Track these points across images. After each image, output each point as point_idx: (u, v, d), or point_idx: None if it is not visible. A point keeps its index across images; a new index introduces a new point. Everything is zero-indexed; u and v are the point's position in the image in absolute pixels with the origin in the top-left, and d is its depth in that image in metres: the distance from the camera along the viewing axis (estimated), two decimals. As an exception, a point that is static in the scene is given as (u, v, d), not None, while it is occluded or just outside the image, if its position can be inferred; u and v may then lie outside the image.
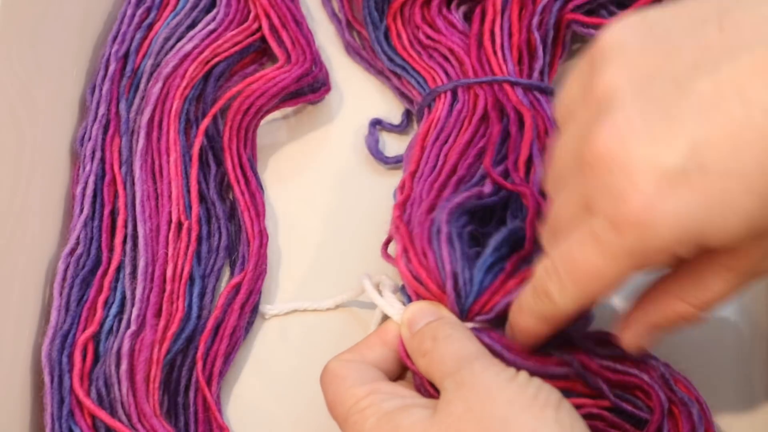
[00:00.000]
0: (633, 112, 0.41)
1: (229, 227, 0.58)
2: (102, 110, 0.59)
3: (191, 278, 0.55)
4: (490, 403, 0.44)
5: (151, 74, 0.60)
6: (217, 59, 0.61)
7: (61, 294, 0.54)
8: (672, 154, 0.40)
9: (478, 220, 0.54)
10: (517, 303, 0.49)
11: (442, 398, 0.45)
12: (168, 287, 0.54)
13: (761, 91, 0.39)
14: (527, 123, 0.56)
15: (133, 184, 0.57)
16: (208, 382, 0.53)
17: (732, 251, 0.43)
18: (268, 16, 0.62)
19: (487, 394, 0.44)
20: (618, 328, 0.48)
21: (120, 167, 0.58)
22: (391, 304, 0.52)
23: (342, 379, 0.48)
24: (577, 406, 0.46)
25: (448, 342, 0.48)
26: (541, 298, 0.46)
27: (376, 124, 0.63)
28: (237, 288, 0.55)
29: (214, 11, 0.62)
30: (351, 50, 0.65)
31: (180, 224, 0.56)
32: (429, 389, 0.48)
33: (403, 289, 0.53)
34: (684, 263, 0.45)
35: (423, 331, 0.49)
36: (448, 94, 0.59)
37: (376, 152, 0.61)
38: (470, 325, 0.50)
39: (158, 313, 0.54)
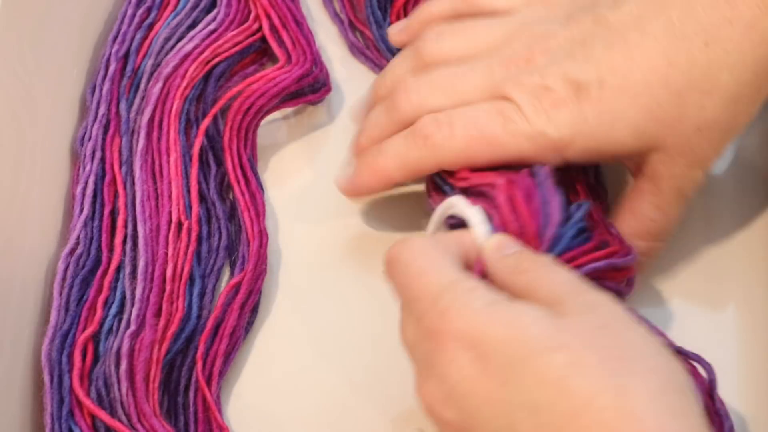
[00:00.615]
0: (561, 39, 0.51)
1: (229, 227, 0.58)
2: (102, 110, 0.59)
3: (191, 278, 0.55)
4: (629, 330, 0.42)
5: (151, 74, 0.60)
6: (217, 59, 0.61)
7: (60, 294, 0.54)
8: (581, 69, 0.49)
9: None
10: (379, 146, 0.54)
11: (568, 311, 0.42)
12: (168, 287, 0.54)
13: (653, 24, 0.49)
14: None
15: (133, 184, 0.57)
16: (208, 382, 0.53)
17: (644, 175, 0.51)
18: (268, 17, 0.62)
19: (624, 323, 0.42)
20: None
21: (120, 167, 0.58)
22: (479, 220, 0.49)
23: (439, 254, 0.46)
24: None
25: (555, 267, 0.45)
26: (417, 142, 0.52)
27: None
28: (237, 288, 0.55)
29: (215, 11, 0.62)
30: (355, 50, 0.65)
31: (180, 224, 0.56)
32: None
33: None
34: (623, 203, 0.52)
35: (520, 253, 0.46)
36: None
37: None
38: None
39: (158, 313, 0.54)
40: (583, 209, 0.49)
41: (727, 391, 0.50)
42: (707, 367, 0.49)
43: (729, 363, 0.54)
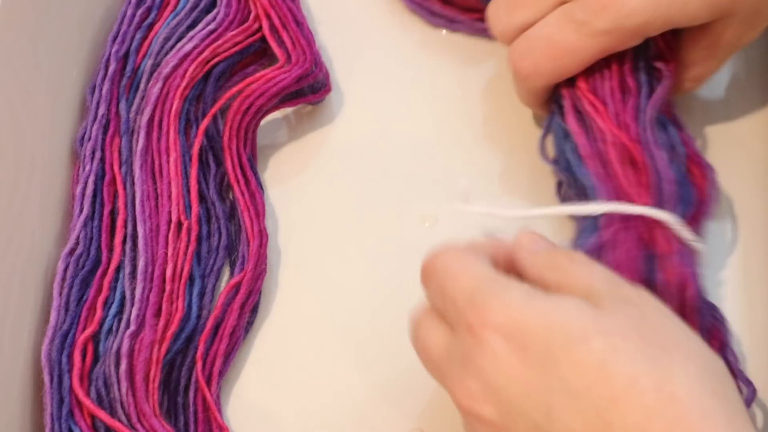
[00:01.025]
0: None
1: (229, 227, 0.58)
2: (102, 110, 0.59)
3: (191, 278, 0.55)
4: (666, 319, 0.42)
5: (151, 74, 0.60)
6: (217, 59, 0.61)
7: (60, 294, 0.54)
8: None
9: None
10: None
11: (606, 303, 0.42)
12: (167, 287, 0.54)
13: None
14: None
15: (132, 183, 0.57)
16: (208, 382, 0.53)
17: (707, 32, 0.53)
18: (268, 17, 0.62)
19: (661, 313, 0.43)
20: None
21: (120, 167, 0.58)
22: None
23: (473, 257, 0.46)
24: None
25: (590, 263, 0.45)
26: (514, 79, 0.55)
27: None
28: (237, 288, 0.55)
29: (215, 11, 0.62)
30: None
31: (180, 224, 0.56)
32: None
33: None
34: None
35: (553, 250, 0.46)
36: None
37: None
38: None
39: (158, 313, 0.54)
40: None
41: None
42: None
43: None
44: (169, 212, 0.56)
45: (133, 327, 0.52)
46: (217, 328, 0.54)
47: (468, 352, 0.42)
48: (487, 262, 0.46)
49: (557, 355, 0.40)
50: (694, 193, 0.53)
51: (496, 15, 0.56)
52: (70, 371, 0.52)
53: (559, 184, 0.58)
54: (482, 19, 0.61)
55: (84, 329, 0.53)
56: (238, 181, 0.58)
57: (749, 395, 0.50)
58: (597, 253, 0.49)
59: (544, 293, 0.43)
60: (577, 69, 0.53)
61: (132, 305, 0.54)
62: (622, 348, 0.39)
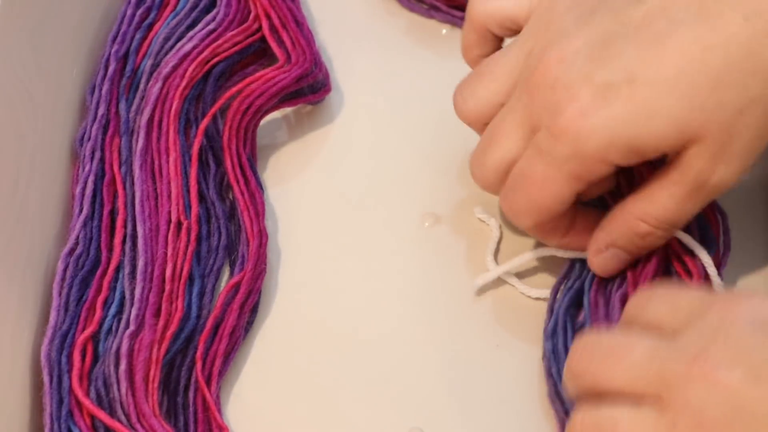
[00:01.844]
0: (577, 41, 0.48)
1: (229, 227, 0.58)
2: (102, 110, 0.59)
3: (190, 278, 0.55)
4: None
5: (150, 74, 0.60)
6: (216, 59, 0.61)
7: (60, 294, 0.54)
8: (607, 70, 0.47)
9: None
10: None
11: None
12: (167, 287, 0.54)
13: (683, 11, 0.46)
14: None
15: (132, 183, 0.57)
16: (208, 382, 0.53)
17: (675, 163, 0.48)
18: (268, 17, 0.62)
19: None
20: (589, 252, 0.52)
21: (119, 167, 0.58)
22: None
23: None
24: None
25: None
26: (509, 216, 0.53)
27: None
28: (236, 288, 0.55)
29: (214, 11, 0.62)
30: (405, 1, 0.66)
31: (179, 224, 0.56)
32: None
33: None
34: (639, 184, 0.50)
35: None
36: None
37: None
38: None
39: (157, 313, 0.54)
40: None
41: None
42: None
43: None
44: (169, 212, 0.56)
45: (132, 327, 0.52)
46: (216, 328, 0.54)
47: (691, 398, 0.40)
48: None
49: None
50: (713, 239, 0.53)
51: (475, 163, 0.54)
52: (69, 371, 0.52)
53: None
54: (459, 7, 0.65)
55: (83, 329, 0.53)
56: (237, 181, 0.58)
57: None
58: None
59: None
60: (554, 205, 0.50)
61: (131, 305, 0.54)
62: None
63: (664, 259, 0.53)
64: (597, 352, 0.44)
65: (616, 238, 0.51)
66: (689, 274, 0.52)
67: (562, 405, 0.50)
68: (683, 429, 0.40)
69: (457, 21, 0.66)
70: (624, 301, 0.52)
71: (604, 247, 0.52)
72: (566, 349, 0.51)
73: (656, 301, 0.45)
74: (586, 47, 0.48)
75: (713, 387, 0.40)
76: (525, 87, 0.49)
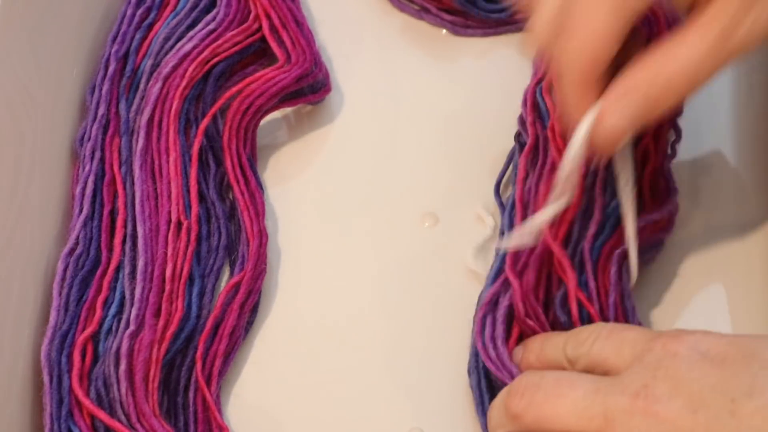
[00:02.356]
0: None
1: (229, 227, 0.58)
2: (102, 110, 0.59)
3: (190, 278, 0.55)
4: None
5: (150, 74, 0.60)
6: (216, 59, 0.60)
7: (60, 294, 0.54)
8: None
9: None
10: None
11: None
12: (167, 287, 0.54)
13: None
14: None
15: (132, 183, 0.57)
16: (208, 382, 0.53)
17: (706, 7, 0.47)
18: (268, 16, 0.62)
19: None
20: (605, 103, 0.50)
21: (120, 167, 0.58)
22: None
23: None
24: None
25: None
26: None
27: None
28: (236, 287, 0.55)
29: (214, 11, 0.62)
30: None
31: (179, 224, 0.56)
32: None
33: None
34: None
35: None
36: None
37: None
38: None
39: (157, 313, 0.54)
40: None
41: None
42: None
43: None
44: (169, 212, 0.56)
45: (132, 327, 0.52)
46: (216, 328, 0.54)
47: (659, 361, 0.43)
48: None
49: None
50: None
51: (531, 24, 0.52)
52: (69, 371, 0.52)
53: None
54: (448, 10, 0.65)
55: (83, 329, 0.53)
56: (237, 181, 0.58)
57: None
58: None
59: None
60: (602, 43, 0.49)
61: (131, 305, 0.54)
62: None
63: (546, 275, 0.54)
64: (540, 391, 0.45)
65: (634, 87, 0.50)
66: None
67: None
68: None
69: (446, 24, 0.66)
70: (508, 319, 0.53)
71: (622, 94, 0.50)
72: (478, 384, 0.52)
73: (601, 340, 0.47)
74: None
75: (654, 419, 0.42)
76: None
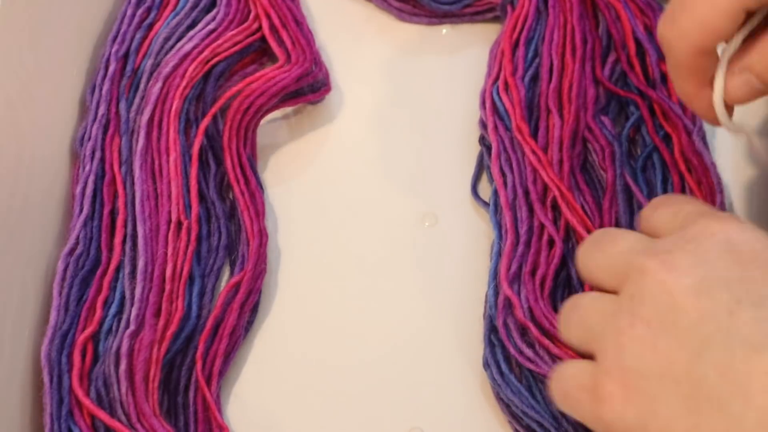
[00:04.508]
0: None
1: (229, 227, 0.58)
2: (102, 110, 0.59)
3: (191, 278, 0.55)
4: None
5: (151, 74, 0.60)
6: (217, 59, 0.61)
7: (60, 294, 0.54)
8: None
9: None
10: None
11: None
12: (167, 287, 0.54)
13: None
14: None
15: (132, 183, 0.57)
16: (208, 382, 0.53)
17: None
18: (268, 16, 0.62)
19: None
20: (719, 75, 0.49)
21: (120, 167, 0.58)
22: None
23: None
24: None
25: None
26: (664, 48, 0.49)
27: None
28: (236, 287, 0.55)
29: (214, 11, 0.63)
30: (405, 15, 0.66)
31: (179, 224, 0.56)
32: None
33: None
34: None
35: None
36: None
37: None
38: None
39: (157, 313, 0.54)
40: None
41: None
42: None
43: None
44: (169, 212, 0.56)
45: (132, 327, 0.52)
46: (216, 327, 0.54)
47: (692, 236, 0.43)
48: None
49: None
50: None
51: None
52: (69, 371, 0.52)
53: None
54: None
55: (84, 329, 0.53)
56: (238, 181, 0.58)
57: None
58: None
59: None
60: (720, 23, 0.47)
61: (132, 305, 0.54)
62: None
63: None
64: (591, 244, 0.46)
65: (753, 62, 0.49)
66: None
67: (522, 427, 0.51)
68: (622, 316, 0.42)
69: (393, 10, 0.66)
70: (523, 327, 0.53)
71: (739, 70, 0.49)
72: (501, 375, 0.52)
73: (662, 207, 0.47)
74: None
75: (661, 287, 0.42)
76: None
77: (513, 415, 0.51)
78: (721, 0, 0.46)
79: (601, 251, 0.45)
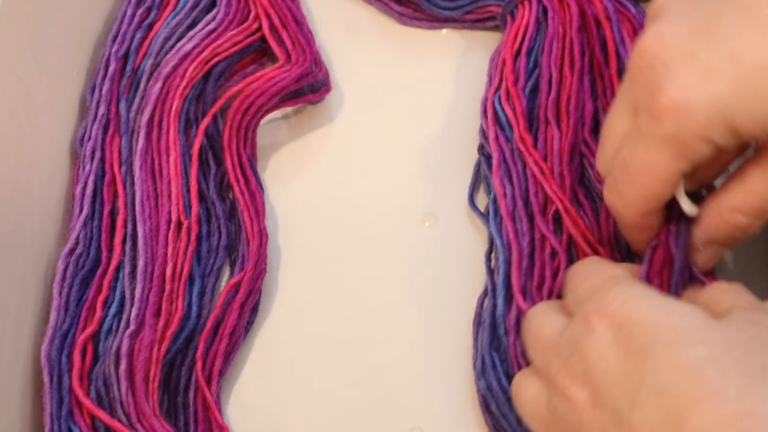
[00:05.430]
0: (677, 18, 0.46)
1: (229, 227, 0.58)
2: (102, 110, 0.59)
3: (191, 278, 0.55)
4: None
5: (151, 74, 0.60)
6: (217, 59, 0.61)
7: (60, 294, 0.54)
8: (709, 49, 0.45)
9: None
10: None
11: (728, 319, 0.43)
12: (167, 287, 0.54)
13: None
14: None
15: (132, 183, 0.57)
16: (208, 382, 0.53)
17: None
18: (268, 16, 0.62)
19: None
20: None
21: (120, 167, 0.58)
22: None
23: (607, 263, 0.50)
24: None
25: (731, 284, 0.47)
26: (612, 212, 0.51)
27: None
28: (236, 287, 0.55)
29: (214, 11, 0.62)
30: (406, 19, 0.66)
31: (180, 224, 0.56)
32: None
33: None
34: (734, 175, 0.49)
35: None
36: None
37: None
38: None
39: (157, 313, 0.54)
40: None
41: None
42: None
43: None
44: (169, 212, 0.56)
45: (132, 327, 0.52)
46: (217, 327, 0.54)
47: (579, 337, 0.44)
48: (624, 267, 0.49)
49: (658, 352, 0.41)
50: None
51: (597, 158, 0.52)
52: (69, 371, 0.52)
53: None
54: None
55: (84, 329, 0.53)
56: (238, 181, 0.58)
57: None
58: None
59: (665, 295, 0.44)
60: (661, 189, 0.48)
61: (132, 305, 0.54)
62: (719, 359, 0.40)
63: None
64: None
65: (714, 235, 0.50)
66: None
67: None
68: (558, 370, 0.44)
69: (394, 14, 0.66)
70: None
71: (702, 245, 0.50)
72: (500, 386, 0.51)
73: (568, 284, 0.49)
74: (687, 25, 0.46)
75: (568, 404, 0.43)
76: (629, 72, 0.49)
77: (497, 429, 0.51)
78: (658, 169, 0.47)
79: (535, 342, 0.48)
